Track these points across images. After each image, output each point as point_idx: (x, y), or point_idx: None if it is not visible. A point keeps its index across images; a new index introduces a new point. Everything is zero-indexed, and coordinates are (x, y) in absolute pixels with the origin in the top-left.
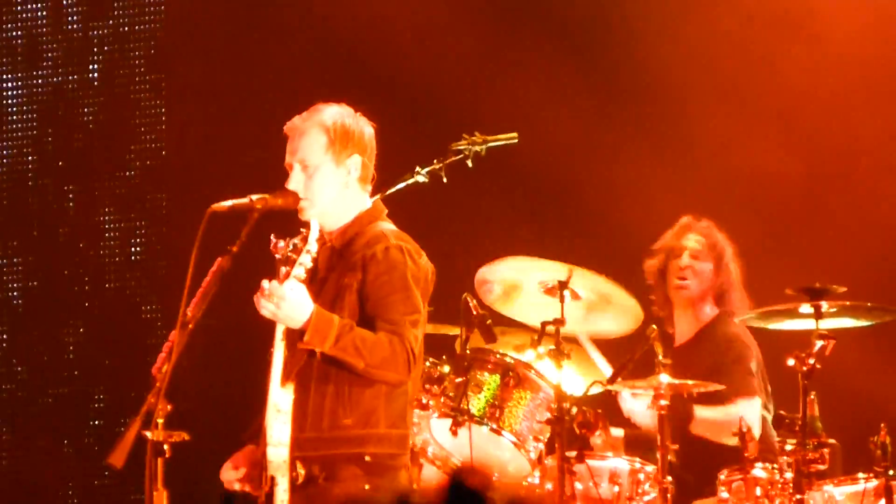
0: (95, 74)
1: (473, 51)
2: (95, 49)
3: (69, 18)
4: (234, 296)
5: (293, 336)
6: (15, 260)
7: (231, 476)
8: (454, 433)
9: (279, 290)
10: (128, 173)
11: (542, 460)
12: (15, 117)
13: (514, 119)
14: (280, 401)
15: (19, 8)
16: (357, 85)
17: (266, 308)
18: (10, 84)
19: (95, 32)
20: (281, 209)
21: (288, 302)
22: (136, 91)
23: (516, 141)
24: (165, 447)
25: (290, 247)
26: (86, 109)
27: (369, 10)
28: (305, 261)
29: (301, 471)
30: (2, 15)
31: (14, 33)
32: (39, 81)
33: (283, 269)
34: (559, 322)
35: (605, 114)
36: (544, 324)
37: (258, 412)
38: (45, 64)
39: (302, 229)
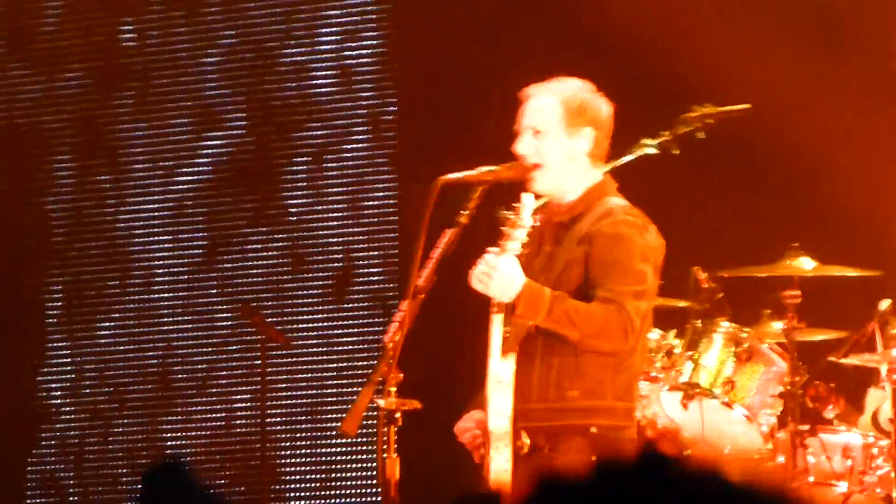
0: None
1: (707, 18)
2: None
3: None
4: (465, 266)
5: (509, 309)
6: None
7: (467, 426)
8: (685, 406)
9: (490, 263)
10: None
11: (774, 434)
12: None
13: (746, 90)
14: (501, 372)
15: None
16: (587, 54)
17: (477, 279)
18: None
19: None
20: (510, 181)
21: (498, 275)
22: (366, 66)
23: (747, 110)
24: (397, 415)
25: (505, 221)
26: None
27: None
28: (519, 236)
29: (526, 441)
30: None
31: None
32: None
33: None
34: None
35: (842, 91)
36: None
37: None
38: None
39: (514, 203)
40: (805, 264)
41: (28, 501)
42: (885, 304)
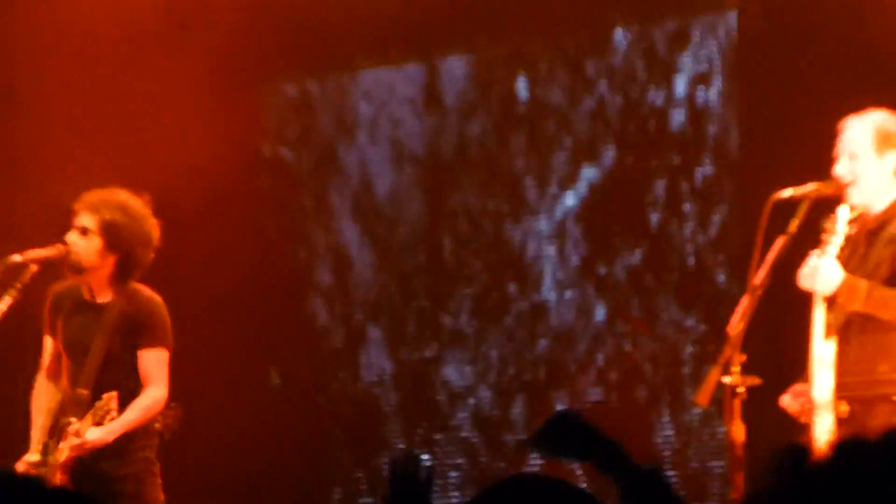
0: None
1: None
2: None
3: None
4: (794, 267)
5: (831, 300)
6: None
7: (789, 402)
8: None
9: (813, 264)
10: (705, 172)
11: None
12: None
13: None
14: (824, 352)
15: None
16: (884, 91)
17: (803, 278)
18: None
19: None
20: (829, 196)
21: (821, 273)
22: (713, 104)
23: None
24: (741, 390)
25: (825, 229)
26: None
27: None
28: (836, 241)
29: (845, 408)
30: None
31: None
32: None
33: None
34: None
35: None
36: None
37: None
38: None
39: (831, 214)
40: None
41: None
42: None
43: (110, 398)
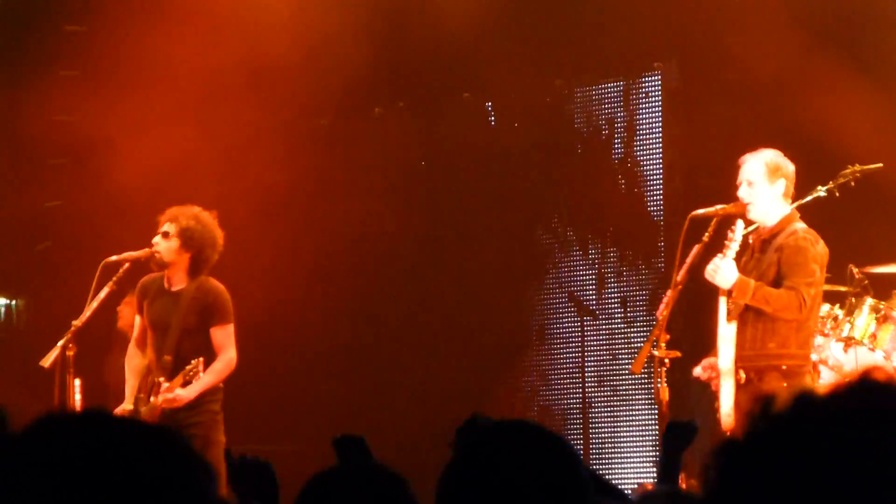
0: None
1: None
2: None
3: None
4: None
5: (730, 293)
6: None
7: (699, 372)
8: (845, 351)
9: (716, 264)
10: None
11: None
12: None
13: (878, 152)
14: (726, 333)
15: None
16: (773, 134)
17: (708, 274)
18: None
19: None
20: (734, 214)
21: (720, 271)
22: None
23: (880, 168)
24: (666, 361)
25: (726, 238)
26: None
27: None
28: (734, 247)
29: (742, 375)
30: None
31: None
32: None
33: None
34: None
35: None
36: None
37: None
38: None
39: (732, 227)
40: None
41: None
42: None
43: (199, 363)
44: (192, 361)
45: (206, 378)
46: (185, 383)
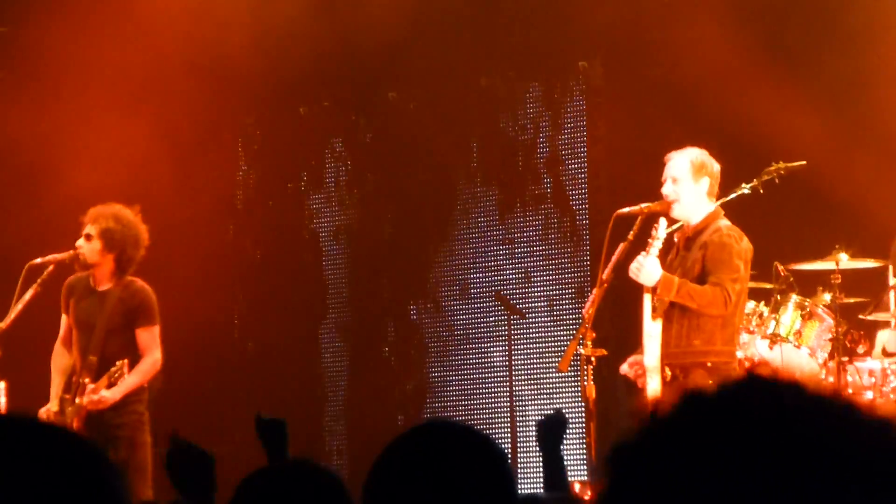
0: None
1: (768, 98)
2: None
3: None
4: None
5: (654, 290)
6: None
7: (626, 369)
8: (770, 348)
9: (640, 262)
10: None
11: (826, 364)
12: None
13: (802, 149)
14: (651, 330)
15: None
16: (698, 132)
17: (632, 272)
18: None
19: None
20: (659, 212)
21: (644, 268)
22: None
23: (804, 165)
24: (593, 359)
25: (650, 236)
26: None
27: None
28: (657, 244)
29: (668, 372)
30: None
31: None
32: None
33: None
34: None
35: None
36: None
37: (640, 337)
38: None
39: (655, 224)
40: (843, 258)
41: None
42: (894, 281)
43: (123, 364)
44: (117, 363)
45: (130, 379)
46: (110, 385)
